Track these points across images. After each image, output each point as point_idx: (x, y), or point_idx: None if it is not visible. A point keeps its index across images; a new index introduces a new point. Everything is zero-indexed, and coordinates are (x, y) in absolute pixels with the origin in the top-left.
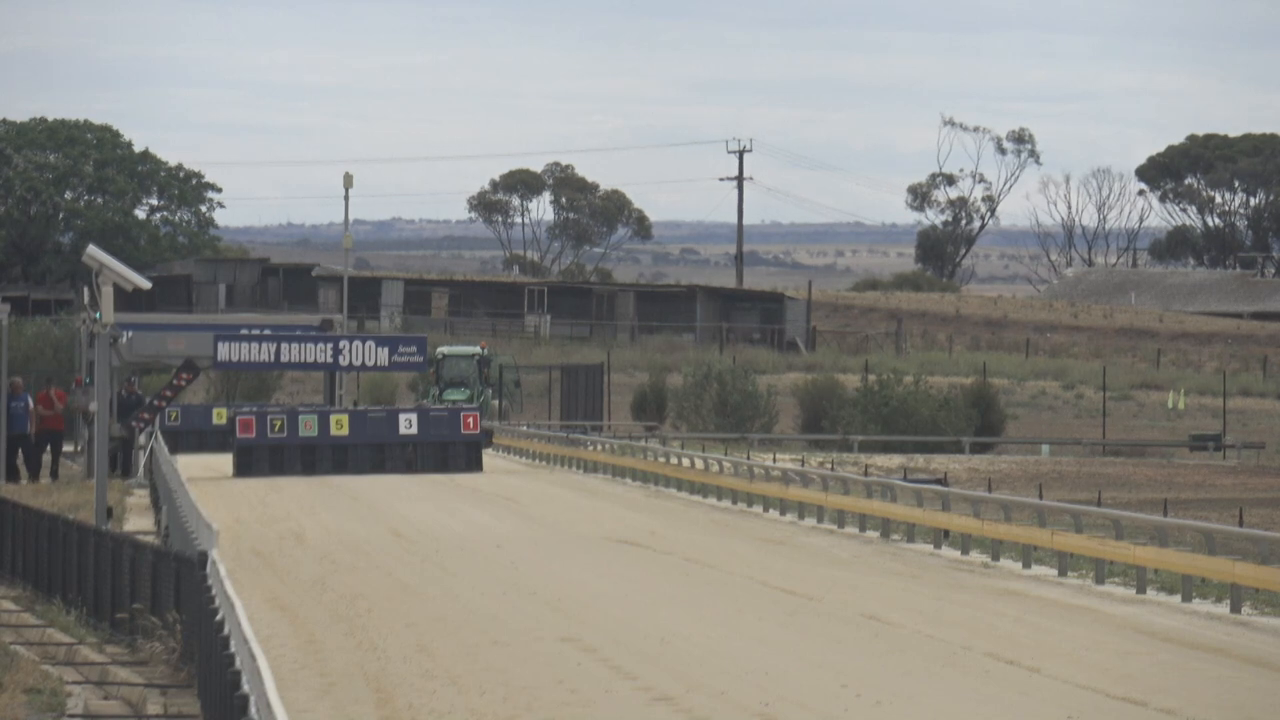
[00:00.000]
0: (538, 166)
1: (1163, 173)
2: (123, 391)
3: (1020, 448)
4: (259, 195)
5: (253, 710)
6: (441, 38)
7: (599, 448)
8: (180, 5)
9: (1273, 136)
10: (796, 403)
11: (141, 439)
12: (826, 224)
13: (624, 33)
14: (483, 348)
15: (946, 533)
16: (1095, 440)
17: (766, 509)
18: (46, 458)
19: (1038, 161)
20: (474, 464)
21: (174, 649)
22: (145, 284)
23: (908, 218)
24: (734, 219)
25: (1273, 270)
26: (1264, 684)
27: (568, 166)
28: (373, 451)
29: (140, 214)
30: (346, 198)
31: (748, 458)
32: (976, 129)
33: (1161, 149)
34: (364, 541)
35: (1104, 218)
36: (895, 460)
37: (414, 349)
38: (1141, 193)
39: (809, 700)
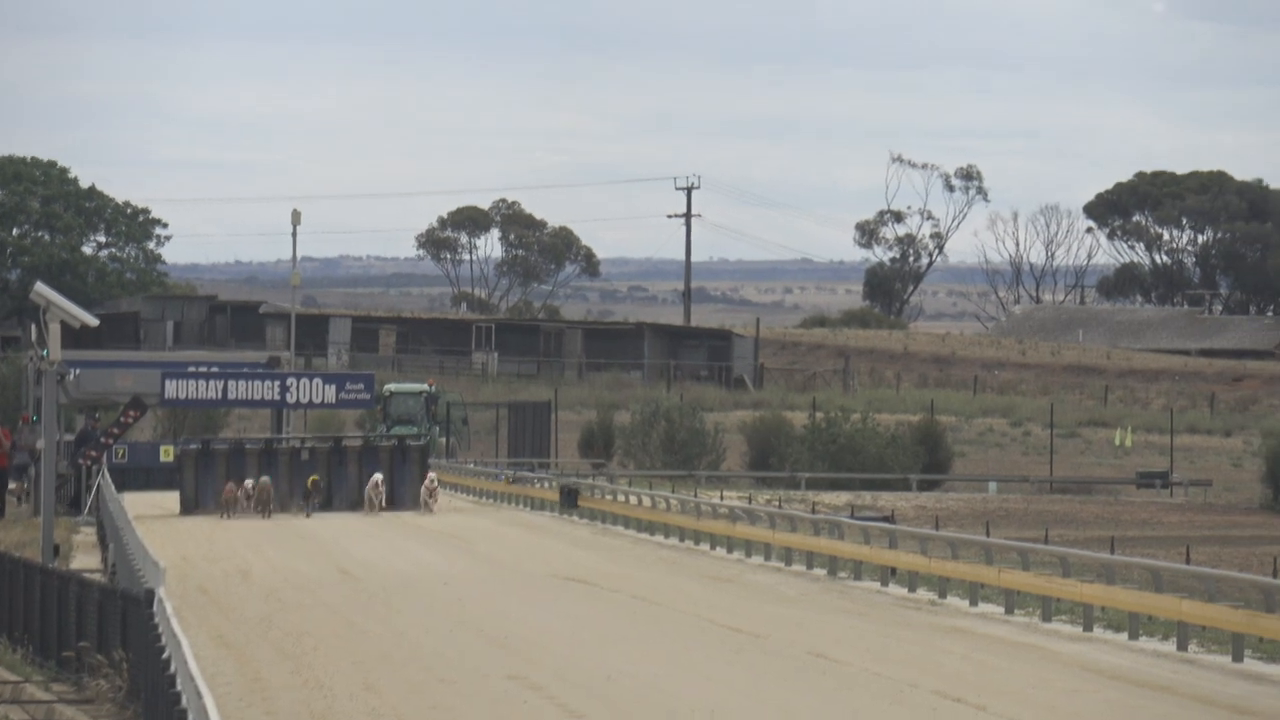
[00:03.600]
0: (485, 204)
1: (1111, 210)
2: (88, 427)
3: (968, 485)
4: (206, 232)
5: None
6: (387, 74)
7: (546, 485)
8: (126, 43)
9: (1220, 174)
10: (744, 440)
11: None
12: (774, 261)
13: (569, 69)
14: (430, 385)
15: (894, 570)
16: (1043, 477)
17: (714, 546)
18: None
19: (985, 198)
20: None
21: (120, 687)
22: (93, 321)
23: (855, 255)
24: (682, 256)
25: (1220, 307)
26: None
27: (515, 203)
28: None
29: (87, 250)
30: (294, 235)
31: (695, 495)
32: (924, 166)
33: (1110, 186)
34: (310, 579)
35: (1052, 255)
36: (843, 497)
37: (361, 386)
38: (1089, 230)
39: None
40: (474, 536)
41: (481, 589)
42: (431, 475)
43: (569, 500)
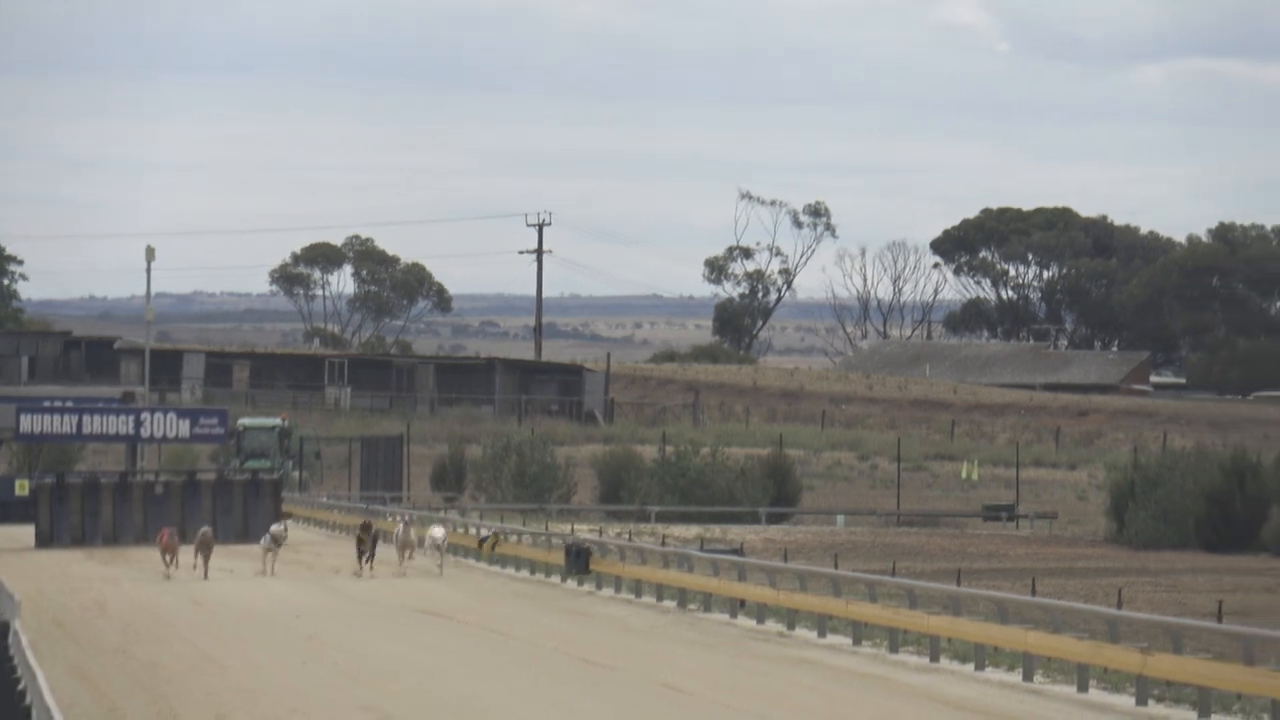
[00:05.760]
0: (338, 240)
1: (957, 246)
2: None
3: (816, 518)
4: (61, 269)
5: None
6: (240, 111)
7: (399, 518)
8: None
9: (1065, 210)
10: (595, 474)
11: None
12: (625, 296)
13: (421, 107)
14: (283, 420)
15: (743, 602)
16: (890, 510)
17: (565, 579)
18: None
19: (833, 235)
20: None
21: None
22: None
23: (705, 290)
24: (533, 291)
25: (1065, 343)
26: None
27: (368, 240)
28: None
29: None
30: (148, 271)
31: (546, 528)
32: (773, 203)
33: (956, 222)
34: (166, 612)
35: (899, 290)
36: (692, 530)
37: (215, 421)
38: (936, 266)
39: None
40: (325, 569)
41: (335, 622)
42: (441, 531)
43: (578, 564)
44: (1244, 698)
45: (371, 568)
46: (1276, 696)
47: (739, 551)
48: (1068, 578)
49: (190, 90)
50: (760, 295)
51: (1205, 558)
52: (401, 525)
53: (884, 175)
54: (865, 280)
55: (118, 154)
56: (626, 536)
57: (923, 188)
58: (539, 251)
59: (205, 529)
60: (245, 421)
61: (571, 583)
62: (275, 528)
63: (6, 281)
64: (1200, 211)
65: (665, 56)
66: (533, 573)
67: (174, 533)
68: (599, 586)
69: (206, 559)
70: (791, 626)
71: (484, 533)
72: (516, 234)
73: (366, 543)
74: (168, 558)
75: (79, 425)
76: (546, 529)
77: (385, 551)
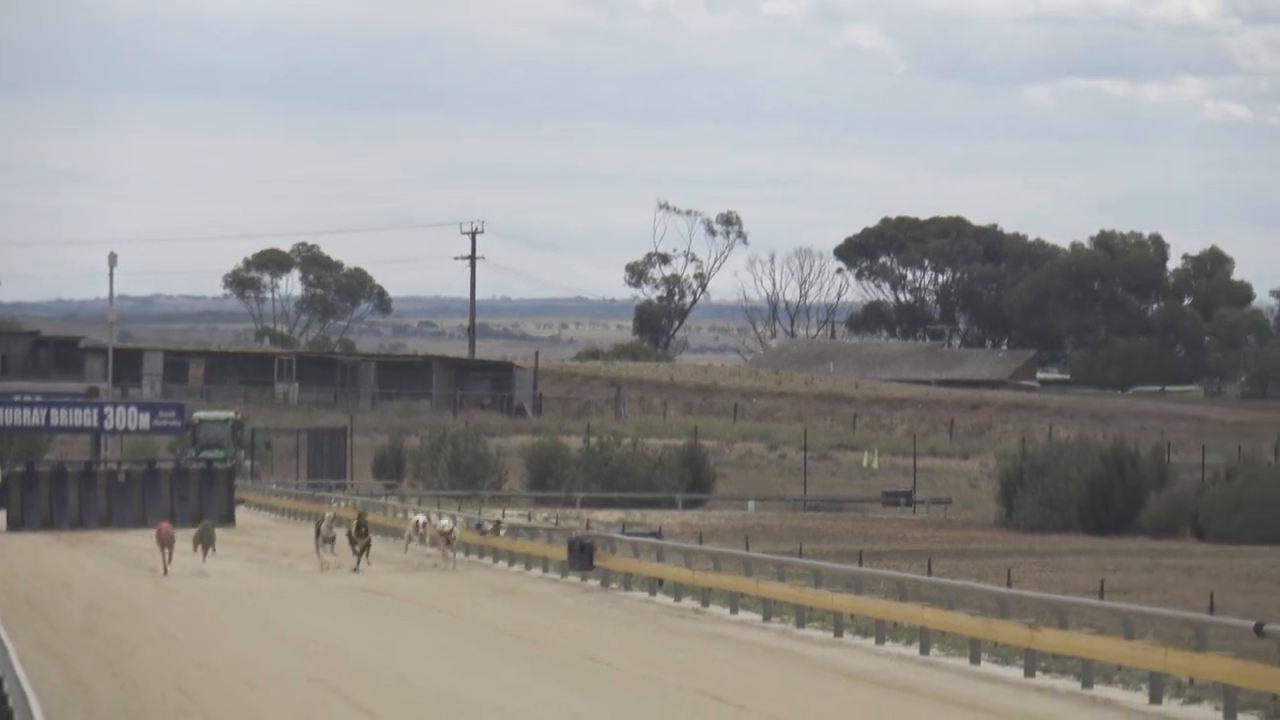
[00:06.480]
0: (287, 246)
1: (859, 252)
2: None
3: (729, 503)
4: (31, 273)
5: None
6: (197, 126)
7: (343, 504)
8: None
9: (959, 219)
10: (524, 463)
11: None
12: (552, 299)
13: (363, 123)
14: (236, 413)
15: (661, 581)
16: (797, 496)
17: (497, 560)
18: None
19: (745, 241)
20: (227, 519)
21: None
22: None
23: (626, 293)
24: (468, 295)
25: (959, 342)
26: (950, 719)
27: (314, 246)
28: (136, 508)
29: None
30: (111, 275)
31: (479, 513)
32: (689, 212)
33: (858, 230)
34: (129, 591)
35: (805, 293)
36: (614, 515)
37: (173, 414)
38: (840, 270)
39: None
40: (275, 550)
41: (286, 600)
42: (449, 524)
43: (582, 559)
44: (1124, 669)
45: (368, 563)
46: (1154, 668)
47: (658, 534)
48: (961, 559)
49: (152, 107)
50: (677, 298)
51: (1088, 540)
52: (414, 522)
53: (791, 187)
54: (774, 284)
55: (85, 166)
56: (553, 521)
57: (827, 198)
58: (472, 258)
59: (207, 523)
60: (200, 415)
61: (558, 575)
62: (324, 526)
63: None
64: (1083, 220)
65: (591, 78)
66: (543, 570)
67: (171, 527)
68: (583, 580)
69: (208, 550)
70: (706, 604)
71: (486, 526)
72: (452, 241)
73: (359, 541)
74: (166, 553)
75: (47, 418)
76: (480, 512)
77: (380, 548)
